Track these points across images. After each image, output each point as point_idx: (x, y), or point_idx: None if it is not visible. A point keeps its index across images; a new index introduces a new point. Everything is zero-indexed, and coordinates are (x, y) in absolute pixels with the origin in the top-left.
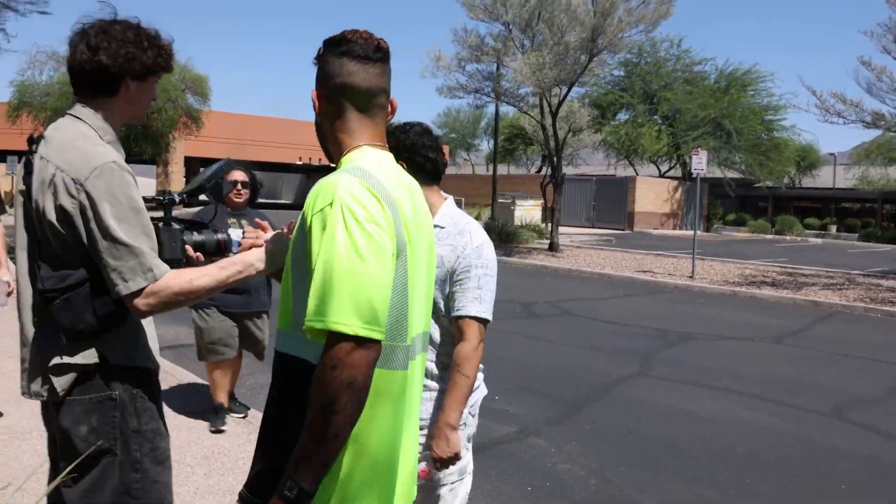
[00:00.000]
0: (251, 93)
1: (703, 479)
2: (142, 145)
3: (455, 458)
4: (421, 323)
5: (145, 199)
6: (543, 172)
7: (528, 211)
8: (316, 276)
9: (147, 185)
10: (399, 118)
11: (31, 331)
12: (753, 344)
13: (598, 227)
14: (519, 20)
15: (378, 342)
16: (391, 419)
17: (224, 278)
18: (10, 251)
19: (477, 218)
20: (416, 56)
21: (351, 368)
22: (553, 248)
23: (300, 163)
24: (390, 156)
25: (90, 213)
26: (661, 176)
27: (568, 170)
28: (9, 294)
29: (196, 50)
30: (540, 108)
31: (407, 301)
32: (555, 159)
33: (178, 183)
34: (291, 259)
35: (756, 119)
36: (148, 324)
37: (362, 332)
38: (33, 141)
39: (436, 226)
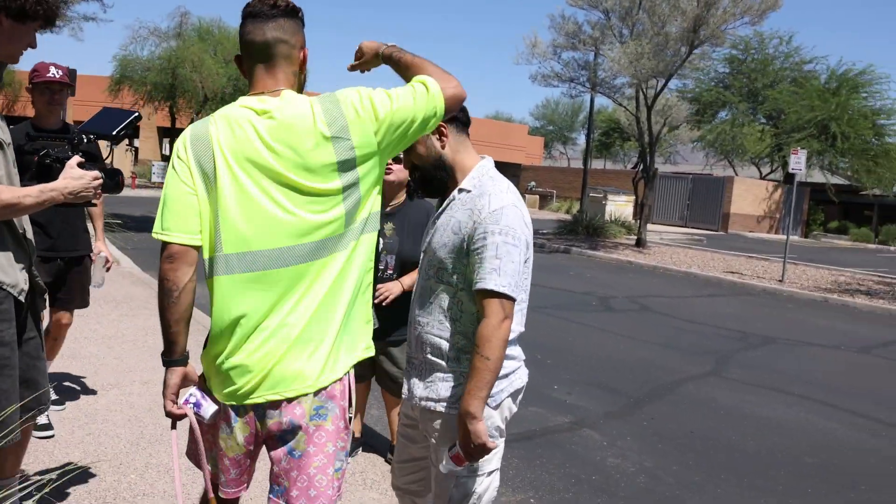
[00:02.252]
0: (344, 78)
1: (763, 487)
2: None
3: (482, 448)
4: (241, 241)
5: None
6: (637, 168)
7: (619, 206)
8: None
9: None
10: (497, 108)
11: None
12: (839, 352)
13: (691, 227)
14: (619, 8)
15: (168, 244)
16: (217, 313)
17: (43, 200)
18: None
19: (568, 211)
20: (512, 44)
21: (160, 262)
22: (640, 243)
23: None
24: (257, 99)
25: None
26: (762, 178)
27: (665, 167)
28: (107, 269)
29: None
30: (636, 101)
31: (217, 214)
32: (647, 153)
33: None
34: None
35: (866, 123)
36: (6, 242)
37: (155, 235)
38: None
39: (462, 189)
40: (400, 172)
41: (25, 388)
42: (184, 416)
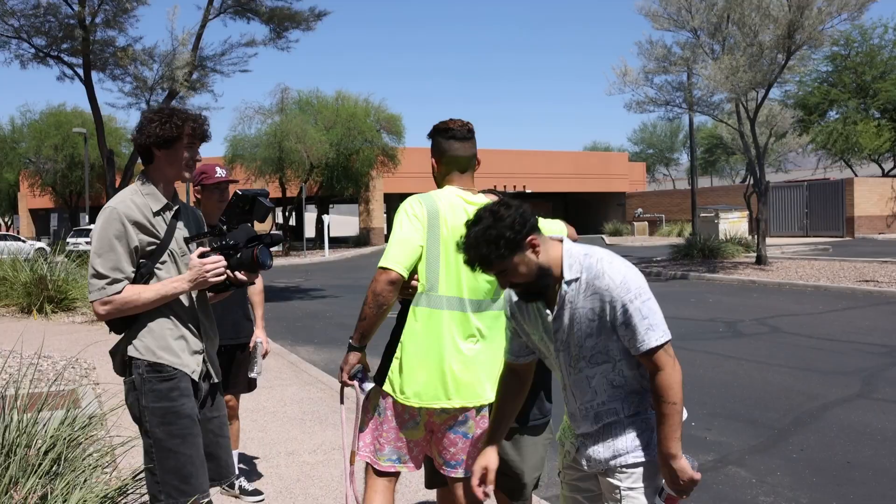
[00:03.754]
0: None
1: None
2: (343, 185)
3: (692, 482)
4: (454, 289)
5: (210, 231)
6: (747, 182)
7: (733, 224)
8: None
9: (350, 222)
10: (594, 139)
11: None
12: None
13: (813, 236)
14: (707, 25)
15: (391, 270)
16: (424, 336)
17: (165, 293)
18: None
19: (679, 234)
20: (601, 74)
21: (375, 282)
22: (760, 260)
23: (495, 190)
24: (466, 193)
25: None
26: (885, 175)
27: (776, 177)
28: (264, 356)
29: (389, 91)
30: (737, 115)
31: (438, 266)
32: (756, 167)
33: (379, 218)
34: None
35: None
36: (176, 331)
37: (381, 263)
38: None
39: (568, 281)
40: None
41: (210, 462)
42: (351, 385)
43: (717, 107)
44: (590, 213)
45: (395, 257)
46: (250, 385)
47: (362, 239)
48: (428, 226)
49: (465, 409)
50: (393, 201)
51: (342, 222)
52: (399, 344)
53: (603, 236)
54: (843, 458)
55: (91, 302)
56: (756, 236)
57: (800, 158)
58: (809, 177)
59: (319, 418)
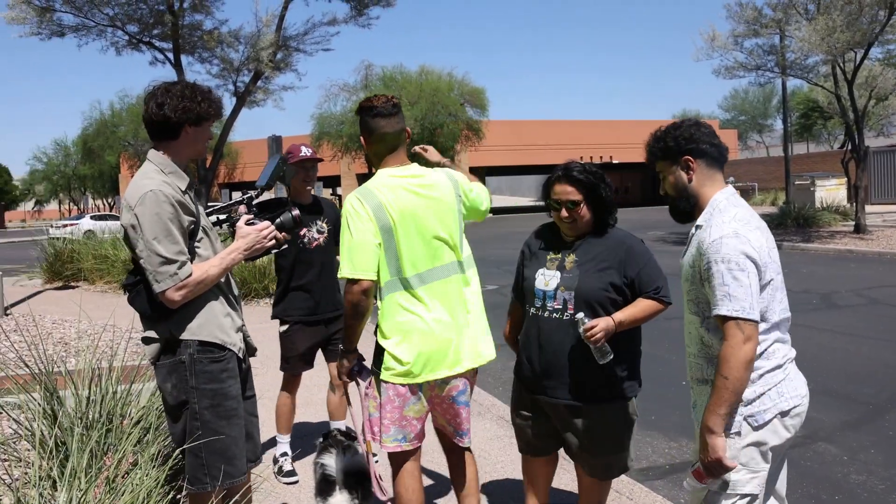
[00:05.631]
0: (528, 99)
1: None
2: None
3: (718, 464)
4: (419, 265)
5: (244, 201)
6: (846, 148)
7: (830, 191)
8: None
9: None
10: (683, 107)
11: None
12: None
13: None
14: None
15: (361, 280)
16: (403, 318)
17: (226, 265)
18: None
19: (773, 203)
20: (688, 38)
21: (349, 294)
22: (859, 229)
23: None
24: (400, 170)
25: (138, 230)
26: None
27: (877, 141)
28: None
29: (472, 65)
30: (833, 77)
31: (398, 253)
32: (855, 132)
33: None
34: None
35: None
36: (224, 307)
37: (349, 275)
38: None
39: (697, 226)
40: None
41: (246, 442)
42: (350, 382)
43: (812, 70)
44: None
45: (361, 265)
46: None
47: None
48: (377, 221)
49: (459, 376)
50: (479, 175)
51: None
52: (382, 332)
53: None
54: None
55: (162, 291)
56: (854, 204)
57: None
58: None
59: None
